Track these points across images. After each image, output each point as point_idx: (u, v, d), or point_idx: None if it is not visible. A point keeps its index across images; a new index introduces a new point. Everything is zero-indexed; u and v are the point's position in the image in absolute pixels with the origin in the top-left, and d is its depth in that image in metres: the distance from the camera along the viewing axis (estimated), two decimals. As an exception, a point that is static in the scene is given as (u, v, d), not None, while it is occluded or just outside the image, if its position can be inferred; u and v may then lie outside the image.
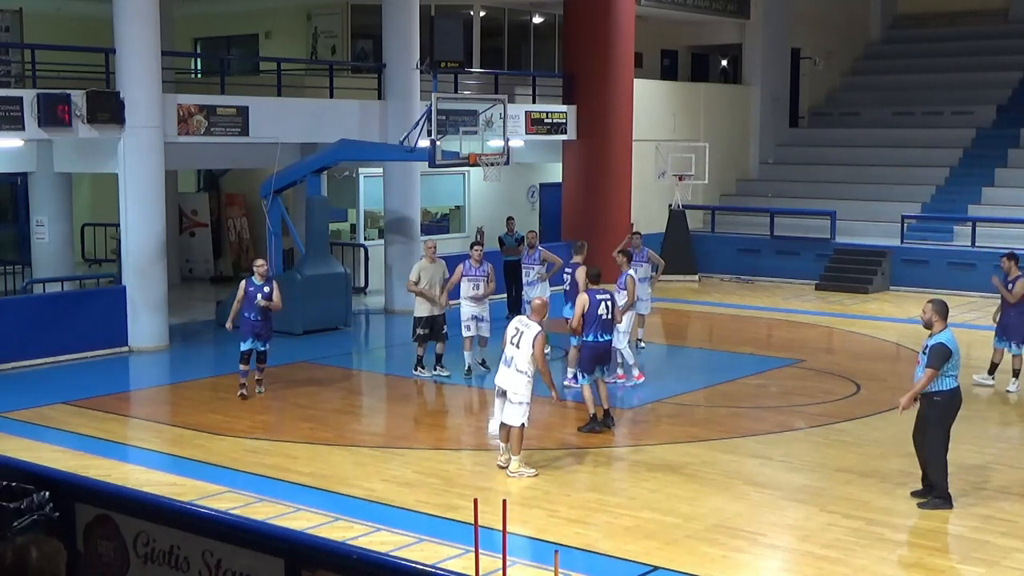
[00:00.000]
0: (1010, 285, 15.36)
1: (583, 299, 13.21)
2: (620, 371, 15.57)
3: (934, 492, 10.63)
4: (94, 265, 25.15)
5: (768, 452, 12.50)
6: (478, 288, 15.91)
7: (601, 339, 13.18)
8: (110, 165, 17.86)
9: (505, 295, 20.38)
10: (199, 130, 18.73)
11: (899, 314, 21.66)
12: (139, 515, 6.75)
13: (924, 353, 10.49)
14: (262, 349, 14.75)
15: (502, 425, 11.79)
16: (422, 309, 15.71)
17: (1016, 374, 15.33)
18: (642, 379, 15.60)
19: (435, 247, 16.11)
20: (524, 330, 11.58)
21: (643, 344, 17.92)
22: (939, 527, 10.18)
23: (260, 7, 26.94)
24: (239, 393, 14.69)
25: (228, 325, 14.66)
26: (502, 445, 11.86)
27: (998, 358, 15.53)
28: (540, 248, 17.75)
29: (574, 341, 14.01)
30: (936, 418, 10.55)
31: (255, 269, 14.69)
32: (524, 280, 17.61)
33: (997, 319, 15.59)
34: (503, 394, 11.73)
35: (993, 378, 15.54)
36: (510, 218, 21.79)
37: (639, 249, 17.56)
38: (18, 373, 16.31)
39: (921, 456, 10.77)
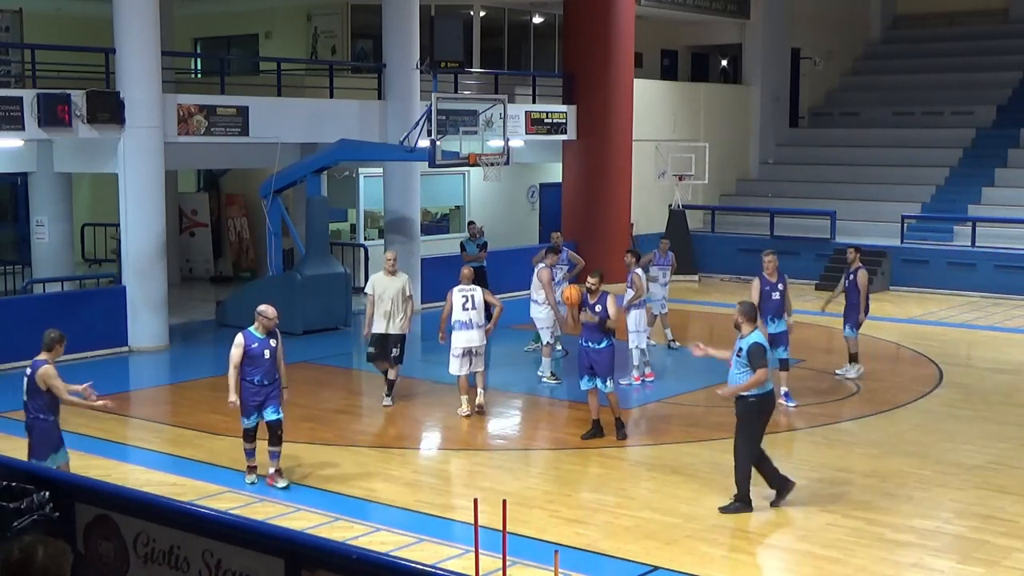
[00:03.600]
0: (851, 276, 16.10)
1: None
2: (635, 372, 15.59)
3: (736, 495, 10.49)
4: (94, 265, 25.14)
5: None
6: (558, 291, 16.16)
7: (585, 344, 12.81)
8: (110, 165, 17.85)
9: None
10: (199, 130, 18.73)
11: (899, 314, 21.66)
12: (139, 515, 6.75)
13: (737, 355, 10.38)
14: (276, 418, 11.06)
15: (466, 376, 13.89)
16: (377, 325, 14.23)
17: (854, 359, 16.11)
18: (652, 377, 15.71)
19: (395, 259, 14.57)
20: (473, 294, 13.88)
21: (676, 343, 18.11)
22: (939, 527, 10.18)
23: (260, 7, 26.94)
24: (249, 480, 11.30)
25: (233, 399, 11.05)
26: (466, 397, 13.91)
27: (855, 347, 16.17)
28: (566, 249, 17.69)
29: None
30: (747, 418, 10.42)
31: (260, 321, 11.14)
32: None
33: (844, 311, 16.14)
34: (470, 352, 13.82)
35: (860, 365, 16.17)
36: (471, 223, 21.12)
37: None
38: (18, 373, 16.23)
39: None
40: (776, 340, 14.32)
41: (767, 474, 10.62)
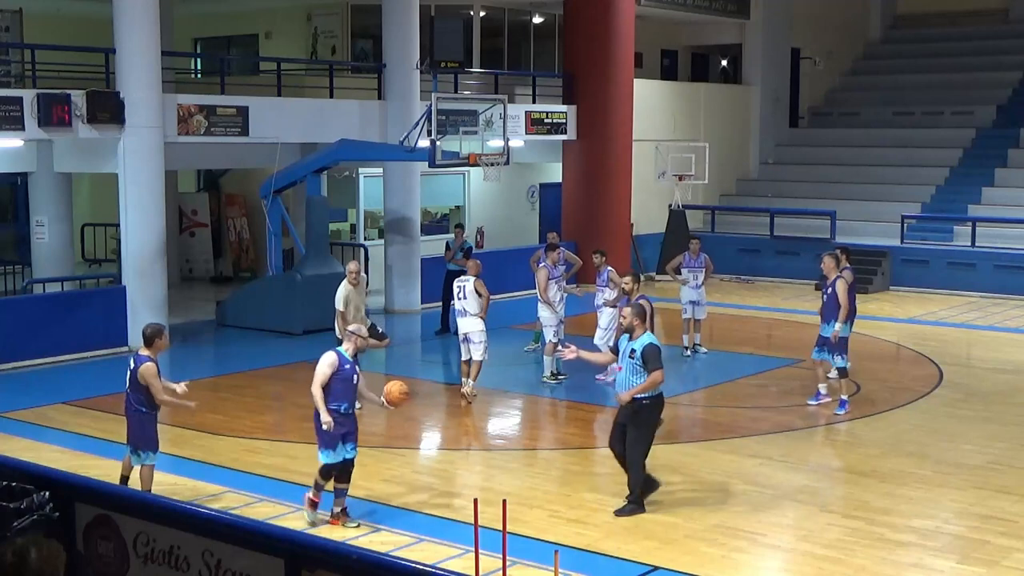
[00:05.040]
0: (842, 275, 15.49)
1: (650, 306, 12.75)
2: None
3: (630, 496, 10.41)
4: (94, 265, 25.14)
5: (768, 452, 12.49)
6: (561, 290, 16.01)
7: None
8: (110, 165, 17.85)
9: (441, 306, 19.34)
10: (199, 130, 18.72)
11: (899, 314, 21.67)
12: (139, 515, 6.75)
13: (630, 357, 10.22)
14: (355, 454, 10.15)
15: (467, 361, 14.49)
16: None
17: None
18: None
19: (359, 270, 14.56)
20: (465, 284, 14.45)
21: (703, 349, 17.75)
22: (939, 527, 10.18)
23: (260, 7, 26.94)
24: (311, 519, 10.07)
25: (328, 419, 9.80)
26: (463, 379, 14.53)
27: None
28: (562, 249, 17.60)
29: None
30: (643, 422, 10.30)
31: (353, 341, 10.12)
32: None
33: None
34: (466, 339, 14.42)
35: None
36: (458, 226, 20.94)
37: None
38: (18, 373, 16.30)
39: (625, 463, 10.48)
40: (823, 344, 14.15)
41: (632, 482, 10.43)
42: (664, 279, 23.79)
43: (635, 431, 10.31)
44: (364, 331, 10.26)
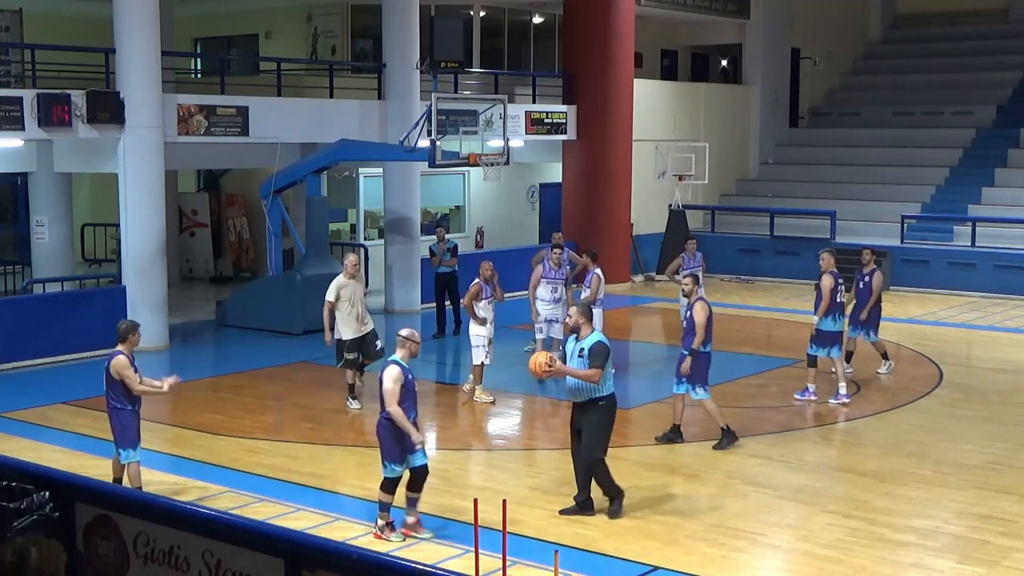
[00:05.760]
0: (867, 277, 15.76)
1: (707, 308, 12.68)
2: None
3: (609, 496, 10.39)
4: (94, 265, 25.15)
5: (768, 452, 12.49)
6: (556, 291, 15.98)
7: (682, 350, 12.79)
8: (110, 165, 17.86)
9: (435, 308, 19.43)
10: (199, 130, 18.73)
11: (899, 314, 21.65)
12: (139, 515, 6.75)
13: (579, 356, 10.18)
14: (425, 462, 9.82)
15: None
16: (347, 331, 14.14)
17: (886, 356, 16.08)
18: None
19: (357, 263, 14.52)
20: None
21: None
22: (939, 527, 10.18)
23: (260, 7, 26.95)
24: (398, 536, 9.78)
25: (420, 437, 9.70)
26: (469, 377, 14.89)
27: (852, 347, 15.85)
28: (567, 249, 17.53)
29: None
30: (600, 424, 10.27)
31: (407, 347, 9.82)
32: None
33: (850, 312, 15.76)
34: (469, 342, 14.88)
35: (850, 365, 15.69)
36: (439, 226, 20.79)
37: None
38: (18, 373, 16.31)
39: (579, 467, 10.45)
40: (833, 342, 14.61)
41: (602, 482, 10.42)
42: (663, 280, 23.79)
43: (590, 432, 10.30)
44: (417, 336, 9.93)
